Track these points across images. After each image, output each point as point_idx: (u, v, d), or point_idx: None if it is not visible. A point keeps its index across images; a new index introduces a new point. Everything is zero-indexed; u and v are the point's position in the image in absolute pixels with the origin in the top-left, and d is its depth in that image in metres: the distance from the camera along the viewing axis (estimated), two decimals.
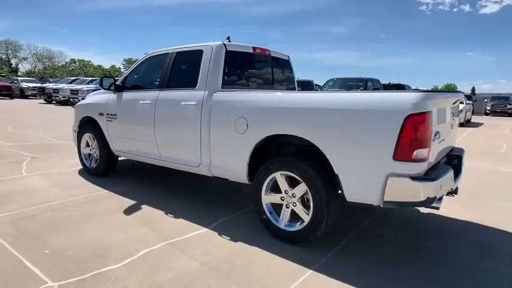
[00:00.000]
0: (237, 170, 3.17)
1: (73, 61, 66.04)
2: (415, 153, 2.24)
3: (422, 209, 3.76)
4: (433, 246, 2.91)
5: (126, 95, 4.25)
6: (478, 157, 7.14)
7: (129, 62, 62.01)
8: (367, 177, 2.41)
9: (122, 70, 60.05)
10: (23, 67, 54.72)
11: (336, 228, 3.19)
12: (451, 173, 2.56)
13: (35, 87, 23.62)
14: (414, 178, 2.25)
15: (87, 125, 4.81)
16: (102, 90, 4.60)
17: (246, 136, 3.03)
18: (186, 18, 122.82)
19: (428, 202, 2.32)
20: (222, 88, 3.37)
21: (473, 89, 72.85)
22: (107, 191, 4.15)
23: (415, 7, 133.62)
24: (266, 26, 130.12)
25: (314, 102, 2.68)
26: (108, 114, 4.42)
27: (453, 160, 3.11)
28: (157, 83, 3.93)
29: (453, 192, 2.92)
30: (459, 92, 3.16)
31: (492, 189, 4.74)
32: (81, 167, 5.03)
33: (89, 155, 4.89)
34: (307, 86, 13.28)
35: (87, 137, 4.83)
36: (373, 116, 2.36)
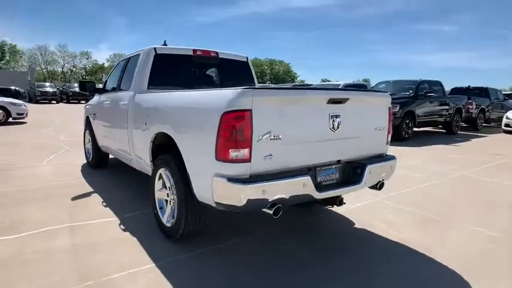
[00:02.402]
0: (148, 165, 3.36)
1: None
2: (231, 153, 2.12)
3: (357, 224, 3.35)
4: (316, 261, 2.62)
5: (102, 96, 4.82)
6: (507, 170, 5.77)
7: None
8: (203, 177, 2.35)
9: None
10: None
11: (230, 229, 3.14)
12: (301, 179, 2.29)
13: None
14: (231, 179, 2.12)
15: (88, 124, 5.57)
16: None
17: (145, 134, 3.21)
18: (281, 24, 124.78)
19: (252, 206, 2.16)
20: (148, 89, 3.61)
21: None
22: (84, 180, 4.77)
23: None
24: (365, 27, 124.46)
25: (168, 101, 2.74)
26: (93, 113, 5.08)
27: (356, 169, 2.73)
28: (115, 85, 4.39)
29: (332, 202, 2.59)
30: (334, 89, 2.71)
31: (483, 210, 3.85)
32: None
33: (90, 149, 5.64)
34: None
35: (87, 133, 5.59)
36: (200, 114, 2.32)
